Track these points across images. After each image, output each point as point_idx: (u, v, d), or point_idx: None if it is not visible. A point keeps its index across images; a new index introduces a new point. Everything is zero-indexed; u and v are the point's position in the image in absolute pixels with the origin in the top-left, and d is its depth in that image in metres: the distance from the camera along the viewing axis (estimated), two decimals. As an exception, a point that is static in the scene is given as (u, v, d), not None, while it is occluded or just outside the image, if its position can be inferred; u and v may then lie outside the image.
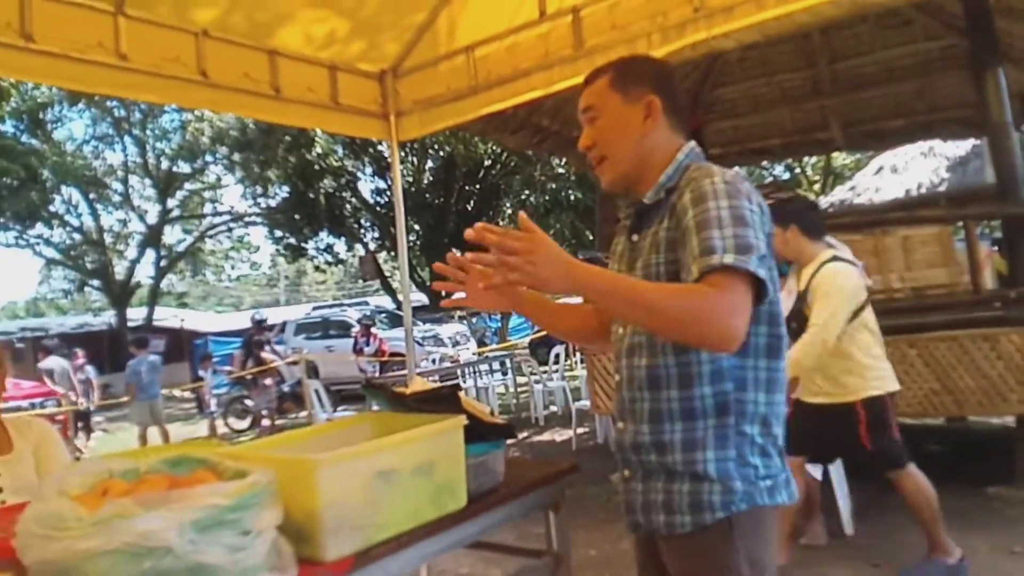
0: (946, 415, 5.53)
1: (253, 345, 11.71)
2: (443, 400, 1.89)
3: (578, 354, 10.74)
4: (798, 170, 21.94)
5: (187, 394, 16.29)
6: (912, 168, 12.24)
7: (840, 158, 20.51)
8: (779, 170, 21.63)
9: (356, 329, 14.16)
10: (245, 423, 12.00)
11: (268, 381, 11.35)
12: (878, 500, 4.52)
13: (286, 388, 11.61)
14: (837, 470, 4.18)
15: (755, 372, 1.46)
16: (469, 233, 1.33)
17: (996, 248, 6.49)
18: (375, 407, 2.18)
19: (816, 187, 21.39)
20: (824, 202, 13.91)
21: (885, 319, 4.67)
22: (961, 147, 11.48)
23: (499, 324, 21.31)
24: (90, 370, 12.41)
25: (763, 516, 1.47)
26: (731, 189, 1.39)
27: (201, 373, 12.59)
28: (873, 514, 4.31)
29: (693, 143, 1.59)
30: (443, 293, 1.63)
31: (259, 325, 12.60)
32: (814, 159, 20.90)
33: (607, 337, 1.77)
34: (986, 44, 5.00)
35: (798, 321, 3.40)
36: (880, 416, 3.47)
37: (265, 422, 11.39)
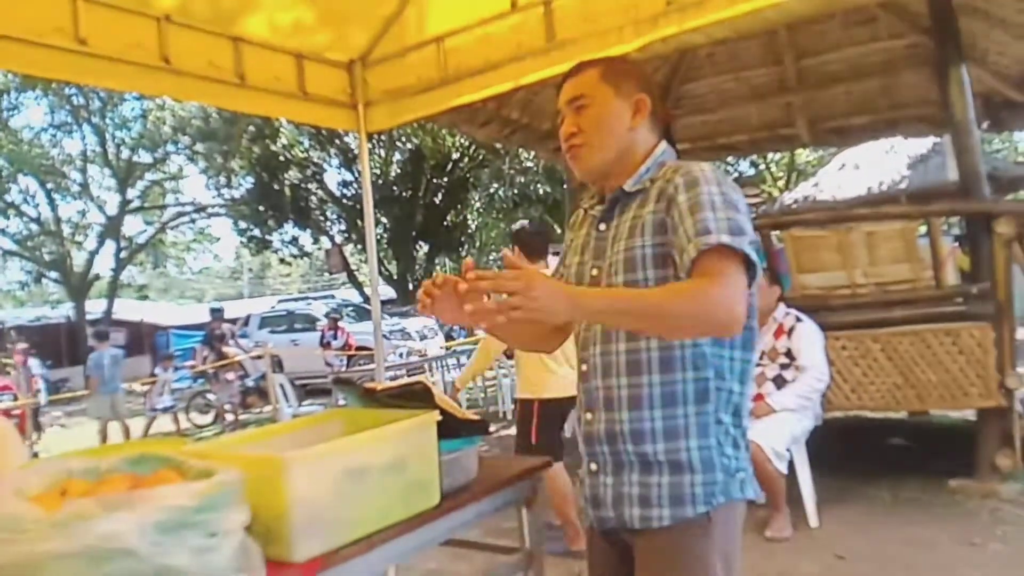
0: (908, 409, 5.63)
1: (214, 338, 11.54)
2: (415, 395, 1.86)
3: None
4: (763, 166, 22.20)
5: (146, 388, 16.02)
6: (874, 165, 12.44)
7: (804, 155, 20.81)
8: (744, 166, 21.87)
9: (323, 323, 14.03)
10: (208, 418, 11.82)
11: (230, 375, 11.19)
12: (843, 493, 4.59)
13: (250, 382, 11.45)
14: (802, 463, 4.23)
15: (731, 362, 1.48)
16: (463, 287, 1.35)
17: (958, 245, 6.61)
18: (342, 402, 2.14)
19: (780, 183, 21.66)
20: (788, 198, 14.09)
21: (849, 314, 4.76)
22: (922, 145, 11.69)
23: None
24: (34, 364, 12.11)
25: (736, 510, 1.49)
26: (720, 177, 1.45)
27: (157, 371, 12.34)
28: (838, 507, 4.37)
29: (666, 143, 1.63)
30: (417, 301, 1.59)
31: (216, 316, 12.41)
32: (778, 156, 21.14)
33: (562, 338, 1.79)
34: (949, 43, 5.07)
35: None
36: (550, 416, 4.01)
37: (228, 417, 11.23)
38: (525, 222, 5.71)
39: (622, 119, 1.57)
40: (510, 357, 6.46)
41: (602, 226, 1.60)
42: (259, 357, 11.50)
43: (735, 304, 1.30)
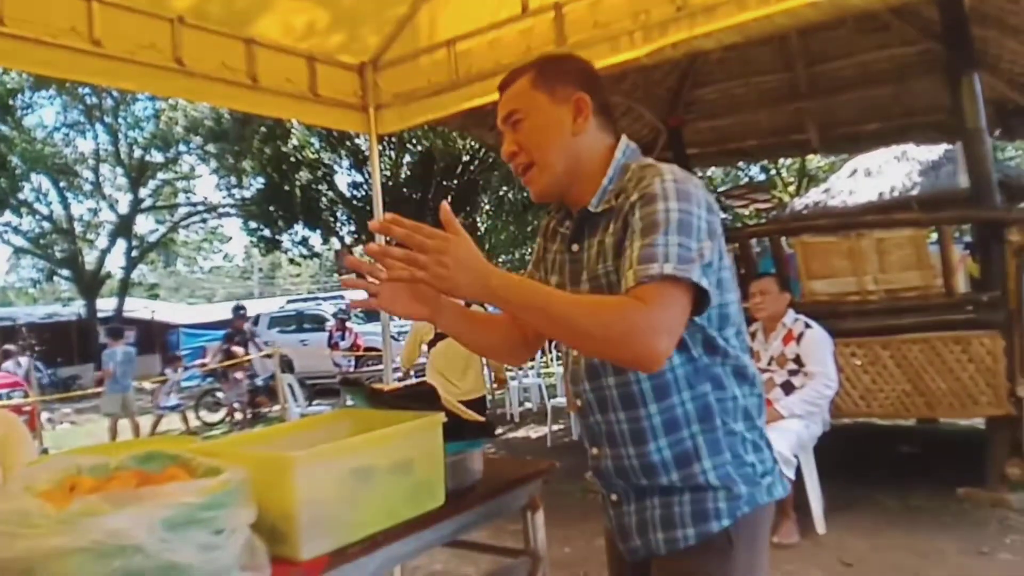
0: (918, 416, 5.61)
1: (235, 336, 11.60)
2: (421, 397, 1.86)
3: (554, 351, 10.74)
4: (773, 172, 22.13)
5: (155, 387, 16.10)
6: (886, 172, 12.40)
7: (815, 160, 20.72)
8: (755, 171, 21.82)
9: (331, 323, 14.06)
10: (217, 416, 11.87)
11: (239, 375, 11.22)
12: (850, 500, 4.58)
13: (259, 382, 11.49)
14: (810, 469, 4.21)
15: (724, 368, 1.40)
16: (373, 224, 1.21)
17: (969, 252, 6.57)
18: (350, 402, 2.15)
19: (791, 189, 21.59)
20: (799, 204, 14.05)
21: (859, 321, 4.75)
22: (934, 152, 11.65)
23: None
24: (24, 361, 12.18)
25: (762, 517, 1.42)
26: (680, 189, 1.30)
27: (167, 372, 12.39)
28: (845, 514, 4.35)
29: (625, 139, 1.48)
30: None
31: (239, 315, 12.46)
32: (789, 161, 21.08)
33: (529, 353, 1.71)
34: (961, 50, 5.05)
35: None
36: None
37: (237, 416, 11.27)
38: None
39: (562, 127, 1.43)
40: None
41: (574, 247, 1.49)
42: (269, 356, 11.55)
43: (654, 334, 1.18)
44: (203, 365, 12.34)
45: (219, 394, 11.71)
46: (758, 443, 1.43)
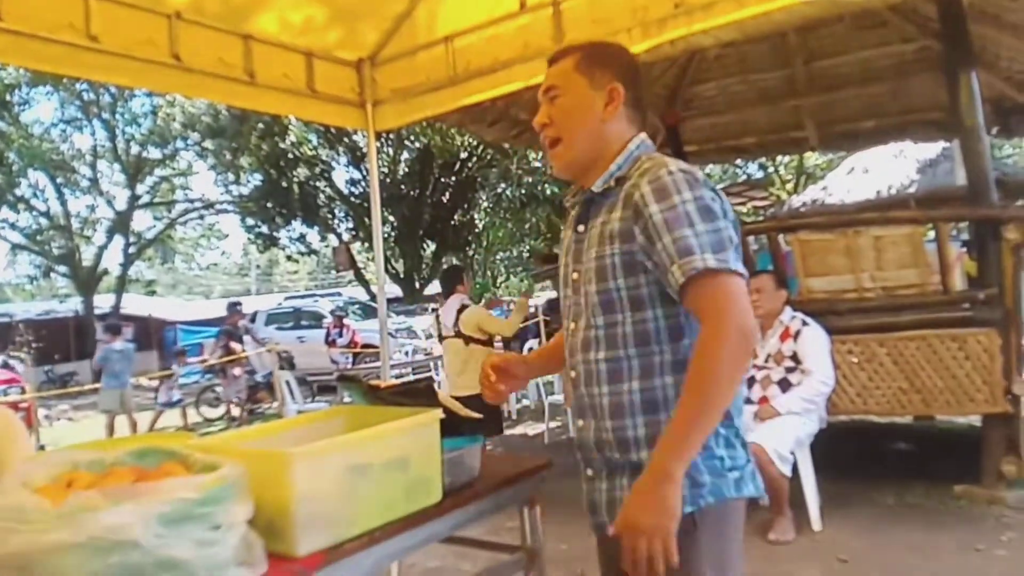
0: (914, 414, 5.62)
1: (231, 332, 11.59)
2: (419, 393, 1.87)
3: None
4: (771, 169, 22.13)
5: (154, 383, 16.10)
6: (883, 169, 12.40)
7: (813, 158, 20.72)
8: (753, 168, 21.81)
9: (328, 320, 14.06)
10: (217, 412, 11.87)
11: (236, 371, 11.22)
12: (846, 497, 4.58)
13: (259, 378, 11.49)
14: (806, 466, 4.22)
15: None
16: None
17: (965, 250, 6.58)
18: (347, 399, 2.15)
19: (789, 186, 21.60)
20: (796, 201, 14.06)
21: (856, 318, 4.75)
22: (931, 150, 11.65)
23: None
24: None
25: (729, 510, 1.46)
26: (690, 179, 1.40)
27: (174, 367, 12.39)
28: (841, 511, 4.36)
29: (644, 135, 1.58)
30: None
31: (234, 310, 12.45)
32: (787, 159, 21.08)
33: None
34: (959, 47, 5.05)
35: None
36: None
37: (235, 412, 11.27)
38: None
39: (593, 111, 1.53)
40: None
41: (580, 227, 1.58)
42: (270, 352, 11.54)
43: (742, 326, 1.31)
44: (203, 361, 12.32)
45: (218, 389, 11.70)
46: (731, 440, 1.47)
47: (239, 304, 13.24)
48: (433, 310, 19.73)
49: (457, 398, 4.38)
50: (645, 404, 1.45)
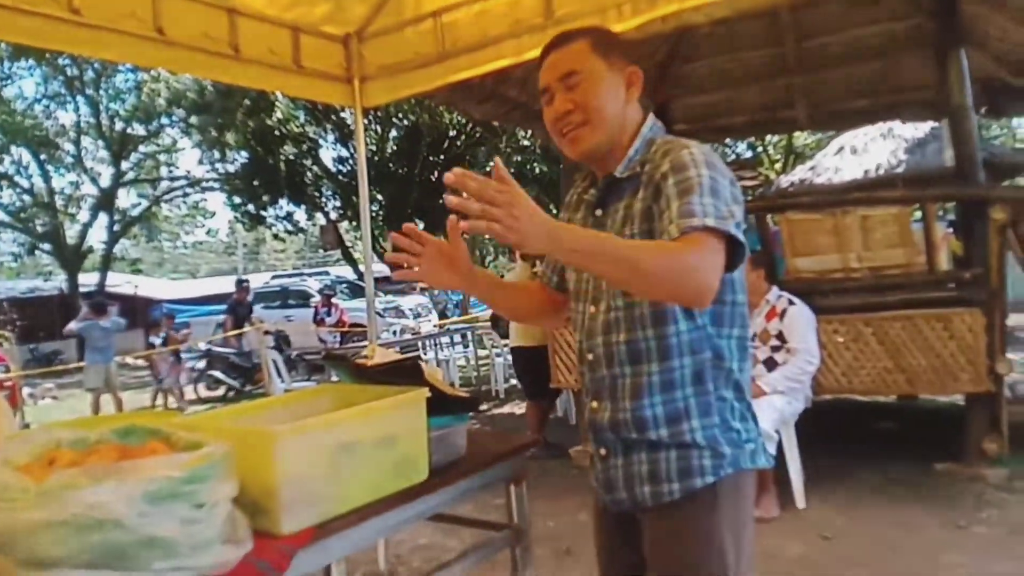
0: (898, 393, 5.67)
1: (238, 309, 11.55)
2: (405, 372, 1.86)
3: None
4: (760, 149, 22.14)
5: (140, 362, 16.02)
6: (871, 149, 12.40)
7: (801, 138, 20.74)
8: (742, 148, 21.81)
9: (316, 299, 14.02)
10: (219, 392, 11.85)
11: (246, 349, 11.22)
12: (830, 475, 4.63)
13: (255, 359, 11.43)
14: (791, 444, 4.26)
15: (729, 340, 1.49)
16: (448, 177, 1.22)
17: (952, 230, 6.61)
18: (334, 378, 2.14)
19: (777, 166, 21.62)
20: (785, 181, 14.07)
21: (842, 298, 4.77)
22: (920, 129, 11.66)
23: (461, 297, 21.26)
24: None
25: (745, 480, 1.49)
26: (708, 159, 1.41)
27: (187, 340, 12.27)
28: (825, 488, 4.40)
29: (654, 117, 1.58)
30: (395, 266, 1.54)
31: (241, 287, 12.45)
32: (776, 138, 21.08)
33: (559, 317, 1.79)
34: (950, 25, 5.05)
35: None
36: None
37: (221, 391, 11.26)
38: None
39: (618, 93, 1.52)
40: (504, 336, 6.68)
41: (598, 211, 1.57)
42: (268, 333, 11.49)
43: (708, 272, 1.28)
44: (223, 336, 12.22)
45: (215, 371, 11.64)
46: (744, 414, 1.52)
47: (246, 281, 13.38)
48: (422, 289, 19.79)
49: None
50: (663, 384, 1.46)
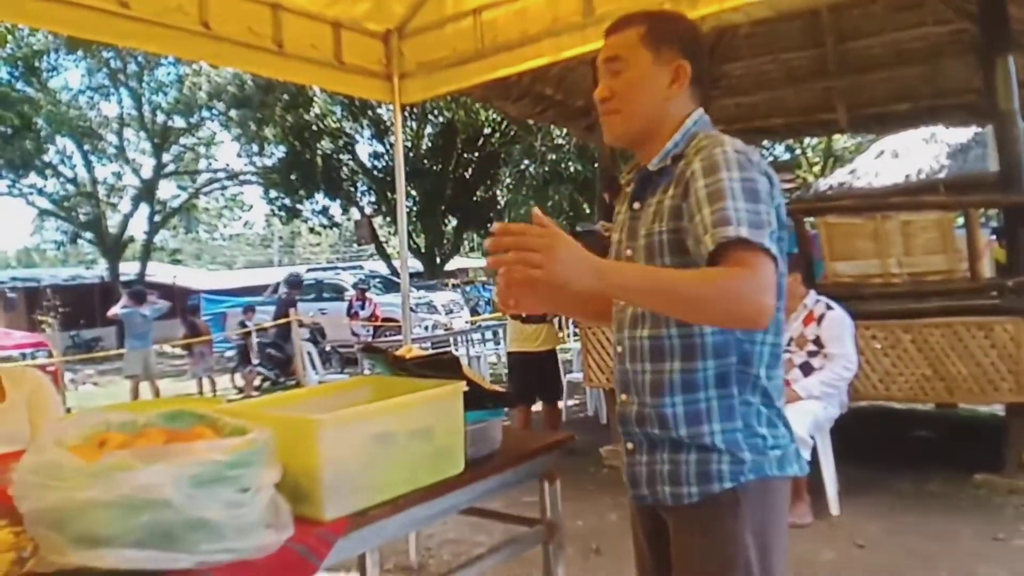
0: (936, 401, 5.57)
1: (287, 307, 11.65)
2: (443, 366, 1.88)
3: (571, 326, 10.75)
4: (799, 151, 21.85)
5: (178, 350, 16.29)
6: (913, 153, 12.19)
7: (841, 140, 20.44)
8: (779, 150, 21.55)
9: (351, 293, 14.15)
10: (256, 382, 12.01)
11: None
12: (865, 482, 4.57)
13: (290, 350, 11.56)
14: (826, 451, 4.21)
15: (761, 347, 1.45)
16: (488, 243, 1.27)
17: (995, 237, 6.48)
18: (367, 371, 2.16)
19: (816, 169, 21.33)
20: (823, 184, 13.89)
21: (881, 303, 4.71)
22: (963, 134, 11.44)
23: (492, 294, 21.29)
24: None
25: (772, 488, 1.45)
26: (742, 160, 1.37)
27: (236, 332, 12.37)
28: (860, 496, 4.35)
29: (701, 111, 1.54)
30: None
31: (293, 284, 12.50)
32: (815, 141, 20.79)
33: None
34: (996, 30, 4.94)
35: None
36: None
37: (256, 382, 11.39)
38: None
39: (657, 87, 1.49)
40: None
41: (636, 204, 1.57)
42: (304, 325, 11.59)
43: (763, 293, 1.25)
44: (263, 330, 12.30)
45: (253, 363, 11.77)
46: (773, 419, 1.47)
47: (298, 276, 13.51)
48: (455, 286, 19.82)
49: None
50: (685, 384, 1.44)
